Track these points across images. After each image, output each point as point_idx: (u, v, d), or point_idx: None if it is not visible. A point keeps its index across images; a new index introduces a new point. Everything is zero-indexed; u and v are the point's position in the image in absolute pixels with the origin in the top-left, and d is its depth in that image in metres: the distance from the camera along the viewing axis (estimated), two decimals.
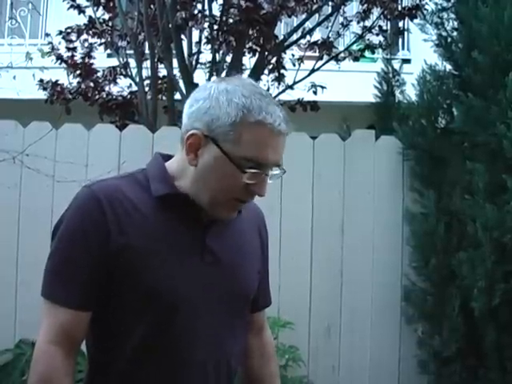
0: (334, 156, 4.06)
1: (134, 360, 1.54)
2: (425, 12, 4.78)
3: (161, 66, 5.39)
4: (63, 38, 5.72)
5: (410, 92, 4.35)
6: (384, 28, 5.51)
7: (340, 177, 4.04)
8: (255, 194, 1.58)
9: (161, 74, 5.47)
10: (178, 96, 5.11)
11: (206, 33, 5.15)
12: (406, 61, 6.96)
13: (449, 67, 4.05)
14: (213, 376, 1.60)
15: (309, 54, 5.71)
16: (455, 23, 4.07)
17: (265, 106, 1.51)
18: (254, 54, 5.17)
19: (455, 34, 4.05)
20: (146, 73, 5.34)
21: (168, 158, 1.67)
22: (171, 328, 1.55)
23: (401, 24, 6.06)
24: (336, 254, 4.01)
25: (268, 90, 5.34)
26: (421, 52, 4.62)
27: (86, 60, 5.70)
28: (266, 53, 5.15)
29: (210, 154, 1.53)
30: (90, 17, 5.64)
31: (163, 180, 1.60)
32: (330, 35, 5.54)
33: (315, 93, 5.48)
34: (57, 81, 5.64)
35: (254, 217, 1.80)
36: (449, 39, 4.06)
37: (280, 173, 1.62)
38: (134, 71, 5.48)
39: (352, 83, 6.82)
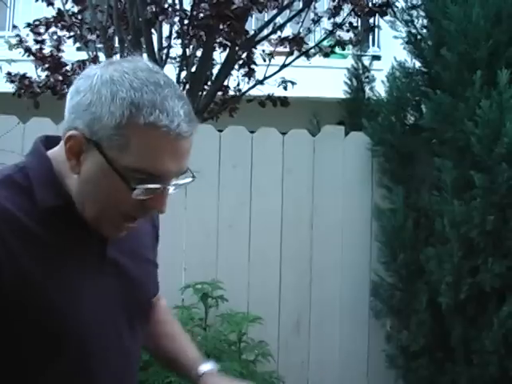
0: (304, 151, 4.07)
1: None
2: (395, 9, 4.80)
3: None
4: (31, 30, 5.66)
5: (379, 88, 4.38)
6: (354, 24, 5.52)
7: (309, 172, 4.06)
8: (152, 210, 1.31)
9: None
10: None
11: (176, 27, 5.12)
12: (376, 57, 7.02)
13: (418, 64, 4.08)
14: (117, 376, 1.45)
15: (279, 49, 5.71)
16: (425, 21, 4.10)
17: (159, 102, 1.20)
18: (225, 49, 5.16)
19: (424, 31, 4.09)
20: None
21: (51, 141, 1.37)
22: (72, 350, 1.35)
23: (371, 21, 6.09)
24: (305, 250, 4.03)
25: (238, 84, 5.35)
26: (391, 49, 4.67)
27: (55, 53, 5.64)
28: (237, 48, 5.14)
29: (93, 162, 1.24)
30: (59, 9, 5.58)
31: (50, 185, 1.31)
32: (300, 31, 5.54)
33: (285, 88, 5.48)
34: (25, 74, 5.58)
35: None
36: (418, 36, 4.09)
37: (188, 180, 1.31)
38: None
39: (322, 79, 6.85)
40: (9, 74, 5.54)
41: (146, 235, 1.54)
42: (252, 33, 5.36)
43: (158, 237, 1.63)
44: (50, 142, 1.38)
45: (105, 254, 1.38)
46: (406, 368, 3.83)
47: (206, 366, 1.62)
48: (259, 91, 5.36)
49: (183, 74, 4.90)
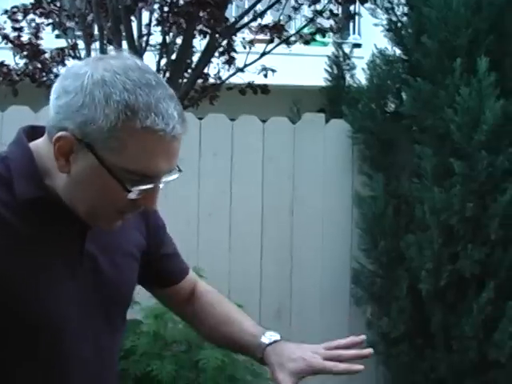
0: (284, 139, 4.07)
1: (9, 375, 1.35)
2: None
3: (110, 47, 5.32)
4: (9, 17, 5.59)
5: (360, 76, 4.38)
6: (335, 12, 5.51)
7: (290, 160, 4.06)
8: (143, 207, 1.31)
9: None
10: None
11: (156, 14, 5.09)
12: (357, 45, 7.01)
13: (398, 52, 4.09)
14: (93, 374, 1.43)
15: (260, 37, 5.69)
16: (405, 8, 4.10)
17: (154, 104, 1.20)
18: (205, 37, 5.13)
19: (405, 18, 4.09)
20: (95, 54, 5.27)
21: (35, 132, 1.35)
22: (47, 348, 1.35)
23: (352, 8, 6.08)
24: (286, 237, 4.03)
25: (218, 72, 5.33)
26: (371, 36, 4.67)
27: (33, 40, 5.59)
28: (217, 35, 5.12)
29: (85, 162, 1.23)
30: None
31: (30, 177, 1.29)
32: (281, 18, 5.53)
33: (266, 76, 5.46)
34: (3, 61, 5.52)
35: None
36: (399, 24, 4.10)
37: (176, 176, 1.32)
38: (83, 53, 5.40)
39: (303, 67, 6.84)
40: None
41: (132, 229, 1.50)
42: (232, 20, 5.34)
43: (159, 231, 1.61)
44: (35, 132, 1.35)
45: (83, 249, 1.36)
46: (386, 354, 3.86)
47: (270, 336, 1.58)
48: (239, 79, 5.35)
49: (163, 61, 4.88)
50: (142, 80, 1.22)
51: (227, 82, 5.27)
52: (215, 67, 5.38)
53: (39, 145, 1.32)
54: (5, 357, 1.33)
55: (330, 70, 4.63)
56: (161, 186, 1.28)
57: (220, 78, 5.33)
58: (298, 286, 4.03)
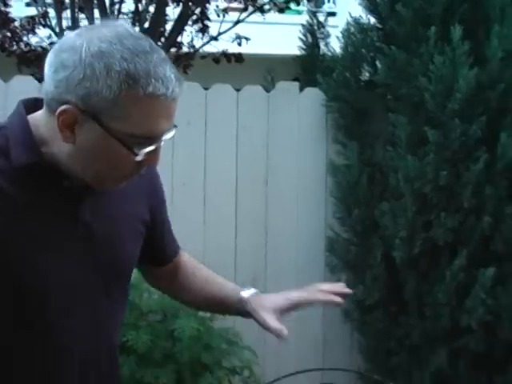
0: (258, 108, 4.05)
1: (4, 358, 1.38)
2: None
3: (81, 15, 5.25)
4: None
5: (334, 45, 4.36)
6: None
7: (264, 129, 4.04)
8: (147, 166, 1.36)
9: (82, 24, 5.34)
10: None
11: None
12: (331, 14, 6.98)
13: (373, 20, 4.06)
14: (94, 360, 1.47)
15: (233, 5, 5.66)
16: None
17: (153, 71, 1.25)
18: (178, 5, 5.09)
19: None
20: (66, 23, 5.19)
21: (35, 104, 1.39)
22: (43, 316, 1.37)
23: None
24: (260, 206, 4.03)
25: (192, 41, 5.28)
26: (346, 5, 4.65)
27: (3, 8, 5.50)
28: (190, 3, 5.07)
29: (90, 132, 1.28)
30: None
31: (26, 145, 1.33)
32: None
33: (240, 44, 5.44)
34: None
35: (142, 177, 1.51)
36: None
37: (172, 133, 1.36)
38: (54, 21, 5.32)
39: (277, 35, 6.81)
40: None
41: (138, 203, 1.54)
42: None
43: (158, 203, 1.64)
44: (39, 104, 1.38)
45: (77, 216, 1.38)
46: (361, 321, 3.89)
47: (248, 292, 1.67)
48: (213, 47, 5.32)
49: (136, 30, 4.81)
50: (138, 47, 1.26)
51: (201, 50, 5.24)
52: (189, 36, 5.34)
53: (37, 116, 1.36)
54: (1, 325, 1.35)
55: (304, 38, 4.61)
56: (161, 144, 1.33)
57: (194, 46, 5.30)
58: (273, 256, 4.05)
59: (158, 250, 1.69)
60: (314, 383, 1.71)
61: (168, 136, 1.34)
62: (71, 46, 1.27)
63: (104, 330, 1.49)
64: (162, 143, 1.34)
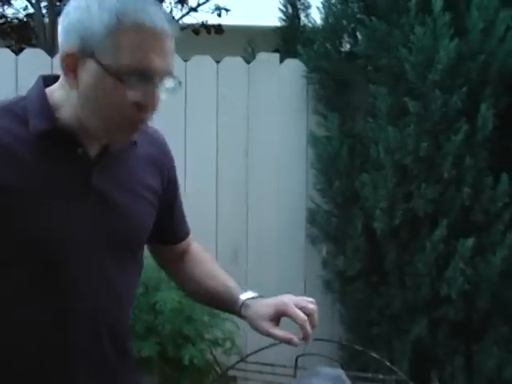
0: (239, 79, 4.03)
1: (13, 307, 1.44)
2: None
3: None
4: None
5: (315, 16, 4.33)
6: None
7: (244, 100, 4.03)
8: (147, 108, 1.40)
9: None
10: None
11: None
12: None
13: None
14: (103, 322, 1.52)
15: None
16: None
17: (141, 7, 1.35)
18: None
19: None
20: None
21: (54, 79, 1.47)
22: (52, 276, 1.43)
23: None
24: (241, 178, 4.03)
25: (171, 12, 5.23)
26: None
27: None
28: None
29: (89, 72, 1.37)
30: None
31: (43, 112, 1.43)
32: None
33: (219, 15, 5.40)
34: None
35: (154, 150, 1.65)
36: None
37: (175, 85, 1.43)
38: None
39: (257, 6, 6.74)
40: None
41: (151, 176, 1.61)
42: None
43: (171, 181, 1.69)
44: (47, 80, 1.49)
45: (90, 182, 1.45)
46: (342, 292, 3.92)
47: (247, 294, 1.68)
48: (193, 19, 5.27)
49: None
50: None
51: (180, 22, 5.19)
52: (168, 7, 5.28)
53: (54, 87, 1.47)
54: (9, 283, 1.42)
55: (284, 9, 4.57)
56: (160, 88, 1.39)
57: (173, 17, 5.24)
58: (254, 227, 4.05)
59: (168, 226, 1.73)
60: (295, 354, 1.73)
61: (167, 84, 1.40)
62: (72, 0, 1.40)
63: (113, 297, 1.53)
64: (162, 92, 1.40)
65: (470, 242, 3.47)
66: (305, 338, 1.56)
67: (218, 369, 3.41)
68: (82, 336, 1.49)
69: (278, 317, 1.61)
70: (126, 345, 1.63)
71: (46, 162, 1.43)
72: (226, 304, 1.72)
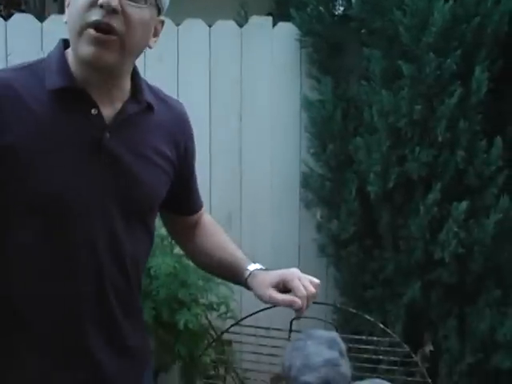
0: (231, 43, 3.99)
1: (25, 263, 1.48)
2: None
3: None
4: None
5: None
6: None
7: (237, 64, 3.99)
8: (102, 5, 1.42)
9: None
10: None
11: None
12: None
13: None
14: (109, 282, 1.56)
15: None
16: None
17: None
18: None
19: None
20: None
21: None
22: (62, 231, 1.48)
23: None
24: (234, 142, 4.01)
25: None
26: None
27: None
28: None
29: None
30: None
31: (60, 71, 1.48)
32: None
33: None
34: None
35: (172, 118, 1.69)
36: None
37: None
38: None
39: None
40: None
41: (162, 143, 1.62)
42: None
43: (188, 153, 1.73)
44: (68, 43, 1.53)
45: (102, 143, 1.48)
46: (336, 256, 3.93)
47: (255, 266, 1.73)
48: None
49: None
50: None
51: None
52: None
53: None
54: (28, 231, 1.45)
55: None
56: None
57: None
58: (248, 191, 4.05)
59: (182, 198, 1.77)
60: (289, 317, 1.73)
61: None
62: None
63: (122, 260, 1.56)
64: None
65: (464, 205, 3.47)
66: (298, 311, 1.59)
67: (213, 333, 3.44)
68: (88, 291, 1.53)
69: (281, 285, 1.64)
70: (133, 306, 1.67)
71: (60, 120, 1.45)
72: (235, 275, 1.75)
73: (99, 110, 1.48)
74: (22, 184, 1.43)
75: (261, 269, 1.72)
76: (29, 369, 1.54)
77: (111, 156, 1.50)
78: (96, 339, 1.57)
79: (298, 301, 1.58)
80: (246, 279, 1.70)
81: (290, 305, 1.59)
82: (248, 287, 1.71)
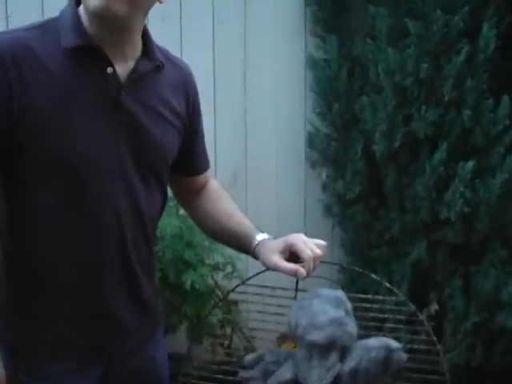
0: (234, 1, 3.94)
1: (46, 227, 1.50)
2: None
3: None
4: None
5: None
6: None
7: (241, 23, 3.95)
8: None
9: None
10: None
11: None
12: None
13: None
14: (129, 237, 1.60)
15: None
16: None
17: None
18: None
19: None
20: None
21: None
22: (84, 194, 1.50)
23: None
24: (239, 102, 3.99)
25: None
26: None
27: None
28: None
29: None
30: None
31: (74, 28, 1.49)
32: None
33: None
34: None
35: (180, 78, 1.72)
36: None
37: None
38: None
39: None
40: None
41: (173, 100, 1.65)
42: None
43: (195, 111, 1.76)
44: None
45: (118, 101, 1.50)
46: (342, 216, 3.93)
47: (263, 235, 1.73)
48: None
49: None
50: None
51: None
52: None
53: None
54: (50, 195, 1.48)
55: None
56: None
57: None
58: (253, 151, 4.03)
59: (188, 156, 1.78)
60: (295, 276, 1.75)
61: None
62: None
63: (138, 214, 1.59)
64: None
65: (470, 164, 3.45)
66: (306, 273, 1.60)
67: (219, 293, 3.45)
68: (111, 253, 1.56)
69: (287, 251, 1.64)
70: (150, 263, 1.72)
71: (77, 80, 1.46)
72: (242, 244, 1.76)
73: (114, 69, 1.50)
74: (42, 145, 1.44)
75: (269, 238, 1.72)
76: (50, 331, 1.58)
77: (127, 114, 1.52)
78: (117, 299, 1.62)
79: (303, 270, 1.58)
80: (254, 249, 1.70)
81: (294, 273, 1.59)
82: (255, 256, 1.71)
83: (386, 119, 3.56)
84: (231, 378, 1.74)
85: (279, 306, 1.94)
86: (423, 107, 3.49)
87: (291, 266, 1.60)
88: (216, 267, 3.47)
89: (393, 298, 2.04)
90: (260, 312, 2.07)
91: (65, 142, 1.45)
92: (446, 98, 3.47)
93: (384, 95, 3.57)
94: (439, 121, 3.50)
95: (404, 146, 3.60)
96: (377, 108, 3.60)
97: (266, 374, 1.67)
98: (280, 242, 1.66)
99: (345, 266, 3.74)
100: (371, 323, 1.95)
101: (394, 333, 2.10)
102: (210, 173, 1.93)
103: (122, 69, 1.53)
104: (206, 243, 3.36)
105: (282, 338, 2.65)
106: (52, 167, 1.46)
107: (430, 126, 3.50)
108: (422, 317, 1.96)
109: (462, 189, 3.47)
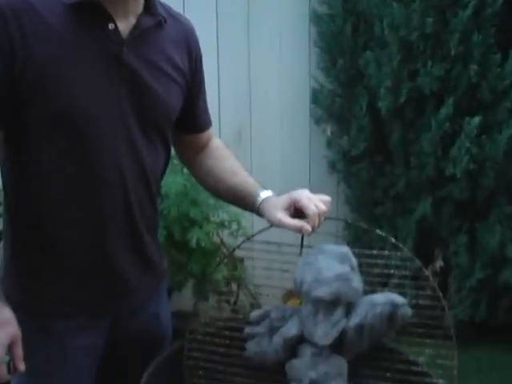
0: None
1: (49, 183, 1.50)
2: None
3: None
4: None
5: None
6: None
7: None
8: None
9: None
10: None
11: None
12: None
13: None
14: (133, 194, 1.60)
15: None
16: None
17: None
18: None
19: None
20: None
21: None
22: (87, 148, 1.49)
23: None
24: (243, 56, 3.95)
25: None
26: None
27: None
28: None
29: None
30: None
31: None
32: None
33: None
34: None
35: (182, 34, 1.69)
36: None
37: None
38: None
39: None
40: None
41: (176, 56, 1.63)
42: None
43: (197, 67, 1.73)
44: None
45: (120, 58, 1.49)
46: (346, 172, 3.92)
47: (267, 193, 1.70)
48: None
49: None
50: None
51: None
52: None
53: None
54: (43, 160, 1.47)
55: None
56: None
57: None
58: (258, 108, 4.01)
59: (190, 113, 1.76)
60: (301, 233, 1.77)
61: None
62: None
63: (142, 170, 1.59)
64: None
65: (476, 120, 3.43)
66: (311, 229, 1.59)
67: (224, 250, 3.46)
68: (115, 210, 1.56)
69: (292, 207, 1.63)
70: (154, 220, 1.72)
71: (77, 35, 1.45)
72: (247, 202, 1.74)
73: (116, 25, 1.49)
74: (43, 101, 1.43)
75: (273, 195, 1.71)
76: (55, 289, 1.59)
77: (129, 70, 1.51)
78: (122, 257, 1.62)
79: (308, 226, 1.57)
80: (259, 206, 1.69)
81: (299, 230, 1.58)
82: (260, 214, 1.70)
83: (391, 74, 3.53)
84: (237, 334, 1.74)
85: (285, 262, 1.93)
86: (429, 62, 3.45)
87: (296, 222, 1.59)
88: (221, 225, 3.47)
89: (398, 254, 2.03)
90: (265, 269, 2.07)
91: (64, 98, 1.44)
92: (453, 53, 3.44)
93: (389, 50, 3.54)
94: (445, 76, 3.47)
95: (409, 102, 3.57)
96: (382, 63, 3.57)
97: (272, 330, 1.67)
98: (284, 199, 1.64)
99: (350, 222, 3.74)
100: (376, 279, 1.95)
101: (399, 288, 2.10)
102: (212, 131, 1.90)
103: (124, 25, 1.51)
104: (211, 201, 3.36)
105: (288, 295, 2.66)
106: (53, 124, 1.46)
107: (435, 81, 3.47)
108: (428, 272, 1.96)
109: (467, 145, 3.45)
